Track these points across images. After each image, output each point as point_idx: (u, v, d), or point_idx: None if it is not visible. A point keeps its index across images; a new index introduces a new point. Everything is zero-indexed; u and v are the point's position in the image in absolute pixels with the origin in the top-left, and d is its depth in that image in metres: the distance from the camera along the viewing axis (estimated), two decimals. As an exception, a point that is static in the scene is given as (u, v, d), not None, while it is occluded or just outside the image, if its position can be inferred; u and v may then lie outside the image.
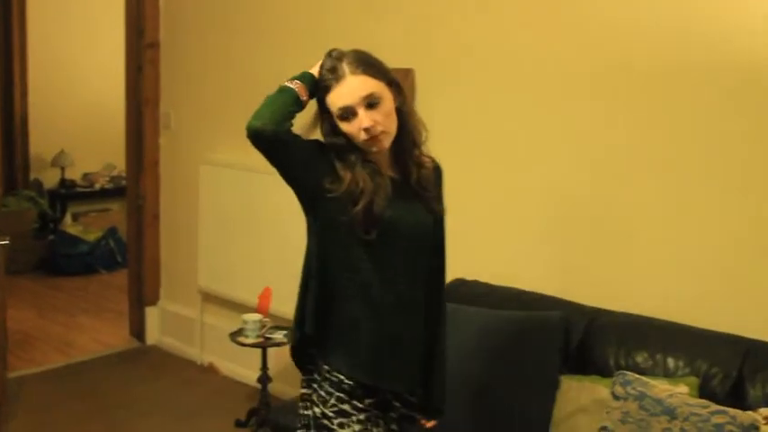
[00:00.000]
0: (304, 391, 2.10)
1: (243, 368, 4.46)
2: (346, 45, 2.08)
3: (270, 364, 3.90)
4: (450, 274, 2.36)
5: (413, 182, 2.08)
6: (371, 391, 2.05)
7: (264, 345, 3.80)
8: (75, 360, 4.92)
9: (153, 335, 5.22)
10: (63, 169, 7.40)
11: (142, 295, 5.21)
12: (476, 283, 3.27)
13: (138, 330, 5.27)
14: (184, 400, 4.35)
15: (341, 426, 2.01)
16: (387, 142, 2.00)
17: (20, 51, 7.08)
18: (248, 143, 1.95)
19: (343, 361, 2.03)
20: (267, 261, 4.25)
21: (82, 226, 7.28)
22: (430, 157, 2.15)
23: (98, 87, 7.41)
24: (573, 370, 2.82)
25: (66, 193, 7.46)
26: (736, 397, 2.51)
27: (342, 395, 2.02)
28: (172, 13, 4.93)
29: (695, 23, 2.81)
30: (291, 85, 1.98)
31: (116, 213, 7.45)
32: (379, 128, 1.95)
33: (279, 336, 3.81)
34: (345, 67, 1.96)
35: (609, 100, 3.05)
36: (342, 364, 2.02)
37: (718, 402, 2.40)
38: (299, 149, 1.97)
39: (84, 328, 5.54)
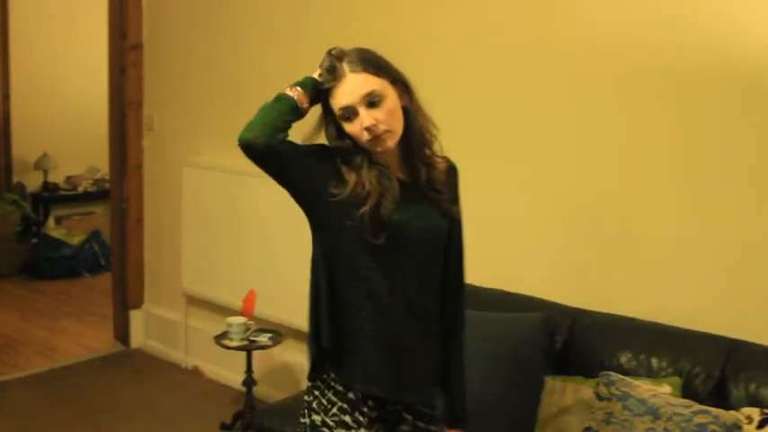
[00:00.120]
0: (305, 398, 2.03)
1: (228, 371, 4.45)
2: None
3: (254, 366, 3.89)
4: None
5: (423, 183, 1.98)
6: (379, 403, 1.98)
7: (249, 347, 3.79)
8: (58, 364, 4.88)
9: (137, 338, 5.19)
10: (46, 172, 7.36)
11: (126, 299, 5.18)
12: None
13: (122, 334, 5.24)
14: (169, 404, 4.33)
15: None
16: (391, 142, 1.91)
17: (2, 54, 7.02)
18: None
19: (355, 373, 1.95)
20: (251, 264, 4.24)
21: (65, 229, 7.25)
22: (444, 157, 2.05)
23: (81, 90, 7.37)
24: (557, 371, 2.83)
25: (50, 197, 7.42)
26: (718, 397, 2.52)
27: (345, 406, 1.96)
28: (155, 14, 4.91)
29: (707, 26, 2.79)
30: (290, 93, 1.90)
31: (99, 216, 7.42)
32: (382, 127, 1.87)
33: (263, 338, 3.81)
34: (345, 65, 1.89)
35: (607, 102, 3.05)
36: (353, 377, 1.95)
37: (701, 402, 2.42)
38: (297, 158, 1.90)
39: (67, 332, 5.50)
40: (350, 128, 1.90)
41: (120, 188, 5.11)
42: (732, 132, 2.77)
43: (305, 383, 2.07)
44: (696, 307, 2.84)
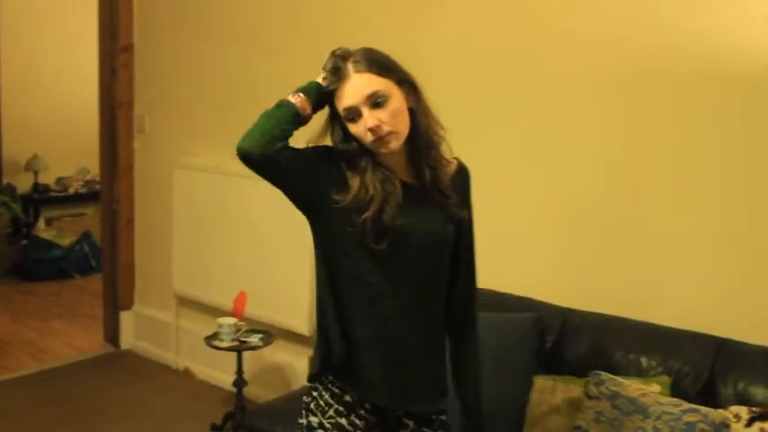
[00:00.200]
0: (304, 398, 2.02)
1: (218, 372, 4.44)
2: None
3: (245, 367, 3.89)
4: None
5: (429, 186, 1.93)
6: (378, 408, 1.95)
7: (240, 348, 3.79)
8: (48, 366, 4.86)
9: (127, 339, 5.18)
10: (36, 173, 7.32)
11: (116, 300, 5.17)
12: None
13: (112, 335, 5.23)
14: (160, 405, 4.33)
15: None
16: (396, 143, 1.86)
17: (-8, 55, 7.01)
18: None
19: (356, 379, 1.93)
20: (242, 265, 4.24)
21: (55, 230, 7.22)
22: (454, 159, 2.01)
23: (72, 91, 7.34)
24: (547, 370, 2.84)
25: (40, 198, 7.38)
26: (707, 395, 2.54)
27: (341, 408, 1.94)
28: (145, 15, 4.91)
29: (706, 28, 2.79)
30: (292, 100, 1.85)
31: (90, 218, 7.39)
32: (386, 128, 1.82)
33: (254, 339, 3.81)
34: (350, 65, 1.84)
35: (606, 103, 3.06)
36: (354, 383, 1.93)
37: (690, 401, 2.43)
38: (298, 165, 1.86)
39: (57, 334, 5.49)
40: (354, 129, 1.86)
41: (110, 189, 5.10)
42: (730, 133, 2.78)
43: (296, 384, 2.07)
44: (688, 307, 2.86)
